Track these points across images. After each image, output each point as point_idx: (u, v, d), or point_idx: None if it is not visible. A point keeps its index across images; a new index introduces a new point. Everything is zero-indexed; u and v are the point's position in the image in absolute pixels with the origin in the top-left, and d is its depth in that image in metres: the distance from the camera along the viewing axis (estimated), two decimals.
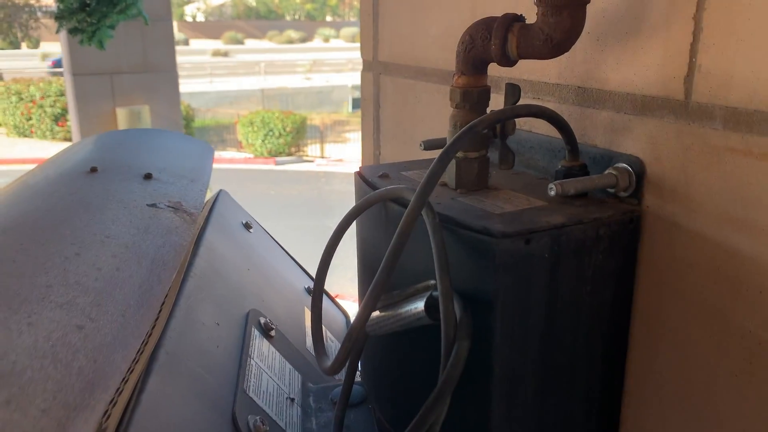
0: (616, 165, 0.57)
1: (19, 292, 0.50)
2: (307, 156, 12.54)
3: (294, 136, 12.40)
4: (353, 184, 0.70)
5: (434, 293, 0.54)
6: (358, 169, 0.70)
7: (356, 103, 15.63)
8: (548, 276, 0.52)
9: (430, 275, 0.56)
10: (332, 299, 1.06)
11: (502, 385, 0.53)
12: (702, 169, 0.51)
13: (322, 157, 12.44)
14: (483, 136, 0.60)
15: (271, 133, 12.19)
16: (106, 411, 0.48)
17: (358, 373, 0.75)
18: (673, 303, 0.55)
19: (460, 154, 0.60)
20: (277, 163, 11.94)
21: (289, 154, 12.40)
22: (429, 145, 0.70)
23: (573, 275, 0.54)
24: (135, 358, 0.54)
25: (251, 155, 12.32)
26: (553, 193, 0.55)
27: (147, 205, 0.73)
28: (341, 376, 0.72)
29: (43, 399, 0.40)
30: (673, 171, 0.53)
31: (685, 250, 0.53)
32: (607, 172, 0.57)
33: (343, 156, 12.25)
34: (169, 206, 0.75)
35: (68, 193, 0.73)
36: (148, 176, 0.82)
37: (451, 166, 0.61)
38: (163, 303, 0.61)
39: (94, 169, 0.81)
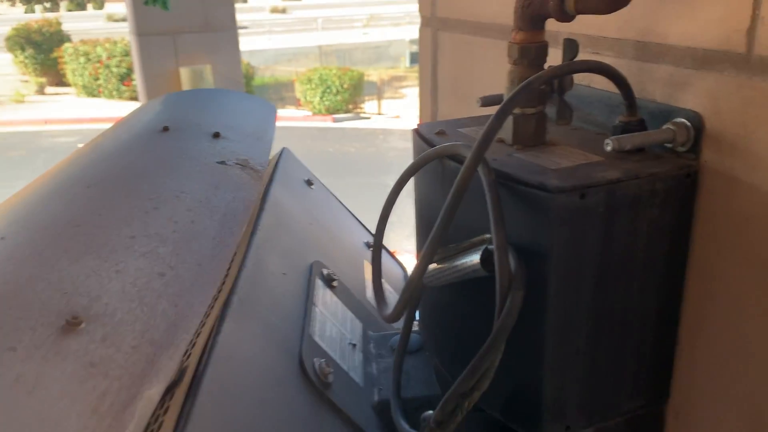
0: (675, 120, 0.57)
1: (106, 242, 0.55)
2: (364, 113, 12.54)
3: (351, 93, 12.39)
4: (411, 140, 0.72)
5: (489, 246, 0.56)
6: (415, 127, 0.72)
7: (414, 58, 15.45)
8: (603, 230, 0.53)
9: (486, 229, 0.58)
10: (390, 254, 1.09)
11: (554, 336, 0.55)
12: (763, 123, 0.51)
13: (380, 114, 12.41)
14: (540, 91, 0.60)
15: (328, 90, 12.22)
16: (186, 350, 0.53)
17: (415, 322, 0.79)
18: (729, 257, 0.55)
19: (517, 110, 0.61)
20: (335, 121, 12.00)
21: (347, 111, 12.42)
22: (486, 102, 0.71)
23: (628, 230, 0.55)
24: (211, 304, 0.58)
25: (309, 113, 12.40)
26: (609, 148, 0.56)
27: (216, 162, 0.77)
28: (399, 325, 0.75)
29: (133, 337, 0.45)
30: (733, 125, 0.53)
31: (744, 204, 0.53)
32: (665, 127, 0.57)
33: (401, 112, 12.19)
34: (237, 163, 0.78)
35: (144, 151, 0.78)
36: (216, 135, 0.85)
37: (508, 122, 0.62)
38: (234, 254, 0.65)
39: (166, 129, 0.86)
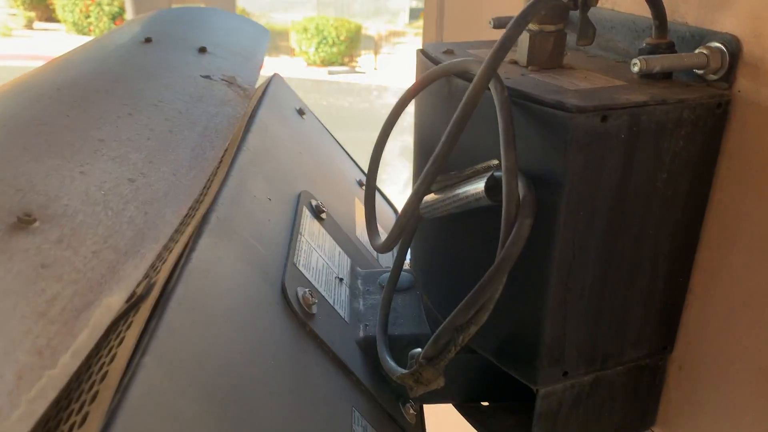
0: (708, 44, 0.52)
1: (72, 143, 0.49)
2: (359, 67, 12.32)
3: (348, 46, 12.14)
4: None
5: (496, 173, 0.51)
6: (420, 47, 0.66)
7: (414, 14, 15.14)
8: (623, 158, 0.49)
9: (493, 156, 0.52)
10: (383, 194, 1.04)
11: (559, 273, 0.51)
12: None
13: (375, 69, 12.21)
14: (562, 6, 0.54)
15: (324, 41, 11.96)
16: (155, 265, 0.48)
17: (407, 261, 0.74)
18: (755, 199, 0.51)
19: (534, 27, 0.55)
20: (329, 73, 11.79)
21: (342, 64, 12.20)
22: (499, 23, 0.65)
23: (649, 160, 0.50)
24: (185, 221, 0.53)
25: (304, 63, 12.17)
26: (636, 69, 0.50)
27: (201, 76, 0.71)
28: (390, 263, 0.71)
29: (94, 241, 0.40)
30: None
31: None
32: (697, 51, 0.52)
33: (396, 69, 11.99)
34: (223, 79, 0.72)
35: (123, 60, 0.72)
36: (202, 50, 0.79)
37: (524, 41, 0.56)
38: (215, 170, 0.60)
39: (148, 39, 0.79)
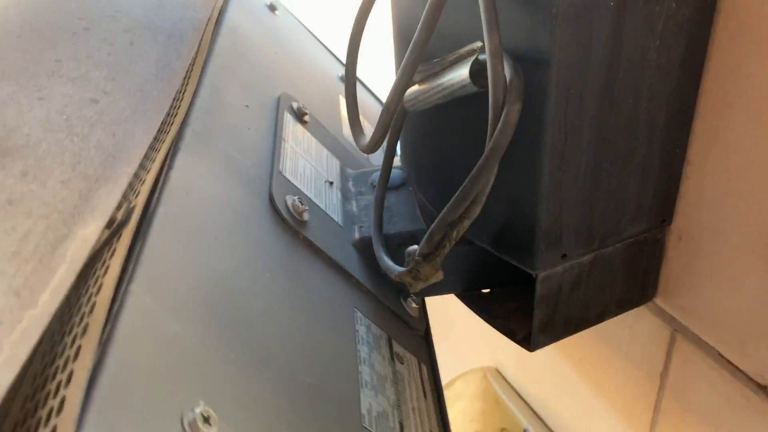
0: None
1: (26, 67, 0.46)
2: None
3: None
4: None
5: (480, 57, 0.48)
6: None
7: None
8: (612, 29, 0.45)
9: (476, 38, 0.49)
10: (365, 86, 1.01)
11: (553, 155, 0.49)
12: None
13: None
14: None
15: None
16: (134, 188, 0.46)
17: (396, 158, 0.72)
18: (753, 59, 0.48)
19: None
20: None
21: None
22: None
23: (640, 28, 0.46)
24: (159, 137, 0.51)
25: None
26: None
27: None
28: (380, 161, 0.69)
29: (62, 171, 0.38)
30: None
31: None
32: None
33: None
34: None
35: None
36: None
37: None
38: (185, 81, 0.57)
39: None
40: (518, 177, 0.51)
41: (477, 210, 0.47)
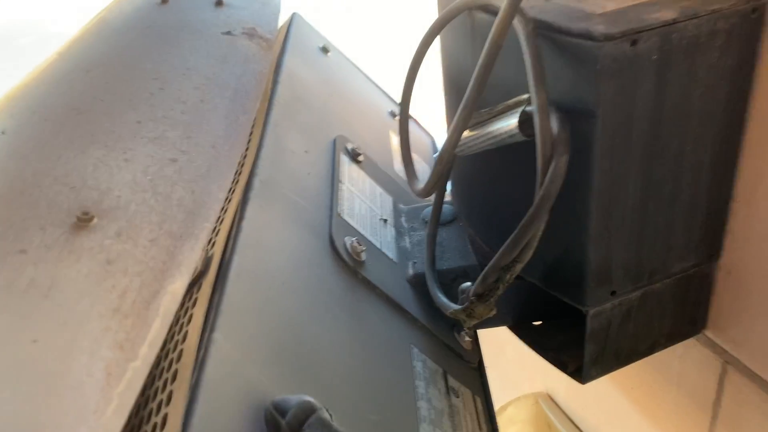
0: None
1: (112, 129, 0.51)
2: None
3: None
4: None
5: (527, 108, 0.51)
6: None
7: None
8: (656, 80, 0.48)
9: (523, 90, 0.52)
10: (416, 121, 1.04)
11: (601, 201, 0.51)
12: None
13: None
14: None
15: None
16: (210, 239, 0.50)
17: (447, 192, 0.75)
18: None
19: None
20: None
21: None
22: None
23: (684, 77, 0.49)
24: (231, 188, 0.55)
25: None
26: None
27: (222, 33, 0.71)
28: (431, 196, 0.72)
29: (150, 230, 0.42)
30: None
31: None
32: None
33: None
34: (243, 33, 0.72)
35: (143, 28, 0.72)
36: (218, 3, 0.78)
37: None
38: (250, 133, 0.61)
39: (164, 1, 0.79)
40: (567, 220, 0.53)
41: (529, 254, 0.49)
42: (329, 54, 0.94)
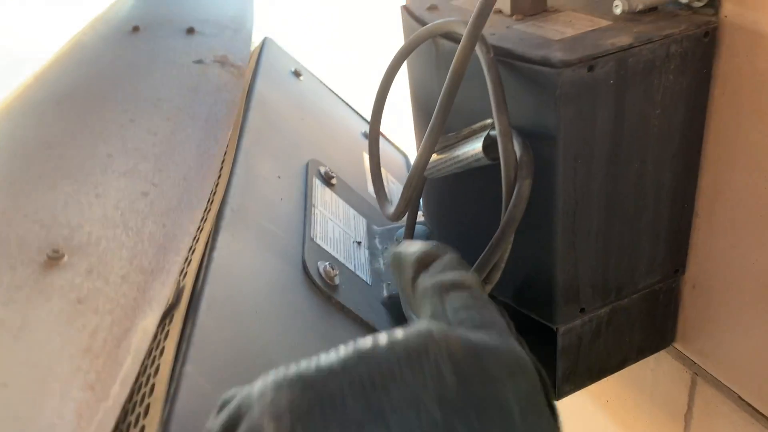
0: None
1: (82, 164, 0.51)
2: None
3: None
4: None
5: (492, 132, 0.52)
6: (404, 3, 0.66)
7: None
8: (614, 104, 0.49)
9: (488, 114, 0.53)
10: (389, 141, 1.05)
11: (565, 221, 0.53)
12: None
13: None
14: None
15: None
16: (182, 270, 0.51)
17: (420, 213, 0.76)
18: (750, 121, 0.51)
19: None
20: None
21: None
22: None
23: (641, 100, 0.50)
24: (203, 218, 0.55)
25: None
26: (618, 10, 0.50)
27: (193, 62, 0.72)
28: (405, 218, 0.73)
29: (121, 266, 0.42)
30: None
31: None
32: None
33: None
34: (215, 61, 0.73)
35: (114, 57, 0.72)
36: (190, 30, 0.79)
37: None
38: (222, 162, 0.62)
39: (136, 29, 0.79)
40: (534, 240, 0.54)
41: (497, 275, 0.51)
42: (301, 77, 0.95)
